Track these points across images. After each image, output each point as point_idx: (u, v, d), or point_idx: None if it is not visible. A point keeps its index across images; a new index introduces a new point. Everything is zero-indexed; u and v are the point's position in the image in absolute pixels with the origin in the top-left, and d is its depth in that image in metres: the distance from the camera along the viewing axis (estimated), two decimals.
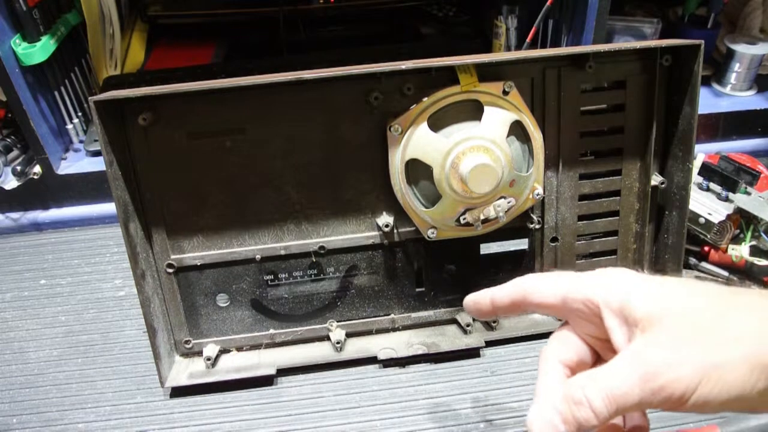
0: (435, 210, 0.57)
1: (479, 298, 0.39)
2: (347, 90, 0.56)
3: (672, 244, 0.63)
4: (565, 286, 0.35)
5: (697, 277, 0.70)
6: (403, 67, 0.53)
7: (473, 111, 0.55)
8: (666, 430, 0.54)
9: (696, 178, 0.70)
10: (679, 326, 0.29)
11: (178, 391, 0.60)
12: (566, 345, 0.36)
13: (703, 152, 0.74)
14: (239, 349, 0.64)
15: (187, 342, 0.63)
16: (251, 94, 0.55)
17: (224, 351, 0.64)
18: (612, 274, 0.34)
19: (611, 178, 0.62)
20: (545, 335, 0.64)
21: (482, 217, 0.57)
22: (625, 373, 0.29)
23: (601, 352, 0.36)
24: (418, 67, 0.54)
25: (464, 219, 0.58)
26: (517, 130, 0.57)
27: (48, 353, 0.66)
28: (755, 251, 0.66)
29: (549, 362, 0.35)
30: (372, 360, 0.62)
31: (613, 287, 0.33)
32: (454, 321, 0.65)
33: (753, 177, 0.69)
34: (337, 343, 0.63)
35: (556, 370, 0.35)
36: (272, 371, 0.61)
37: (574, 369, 0.35)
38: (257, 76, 0.52)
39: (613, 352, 0.32)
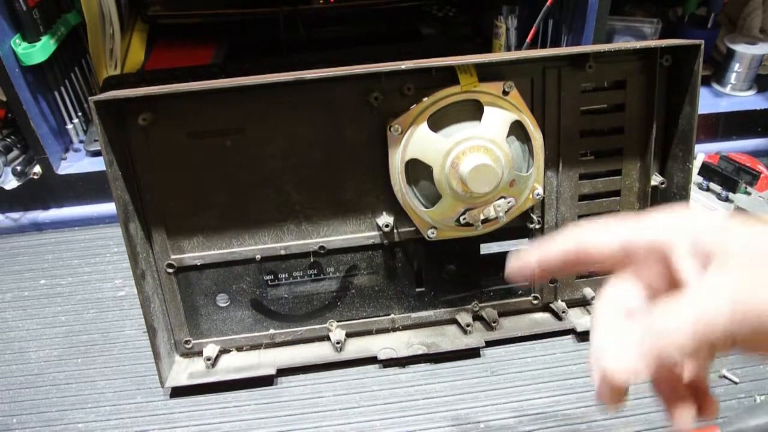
0: (435, 210, 0.57)
1: (523, 262, 0.35)
2: (347, 90, 0.56)
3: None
4: (624, 233, 0.32)
5: None
6: (403, 67, 0.53)
7: (473, 111, 0.55)
8: (666, 430, 0.54)
9: (696, 178, 0.70)
10: (761, 253, 0.27)
11: (178, 391, 0.60)
12: (625, 292, 0.33)
13: (703, 152, 0.74)
14: (239, 349, 0.64)
15: (187, 342, 0.63)
16: (251, 94, 0.55)
17: (224, 351, 0.64)
18: (676, 213, 0.31)
19: (611, 178, 0.62)
20: (545, 335, 0.64)
21: (482, 217, 0.57)
22: (712, 296, 0.27)
23: (656, 298, 0.32)
24: (418, 67, 0.54)
25: (464, 219, 0.58)
26: (517, 130, 0.57)
27: (48, 353, 0.66)
28: None
29: (607, 309, 0.32)
30: (372, 360, 0.62)
31: (681, 225, 0.30)
32: (454, 321, 0.65)
33: (753, 177, 0.69)
34: (337, 343, 0.63)
35: (618, 316, 0.32)
36: (272, 371, 0.61)
37: (633, 315, 0.32)
38: (257, 76, 0.52)
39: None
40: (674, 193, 0.62)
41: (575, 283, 0.66)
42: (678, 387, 0.33)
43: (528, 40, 0.82)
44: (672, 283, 0.31)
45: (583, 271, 0.33)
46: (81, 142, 0.91)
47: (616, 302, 0.33)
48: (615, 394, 0.31)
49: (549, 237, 0.34)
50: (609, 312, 0.32)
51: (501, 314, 0.65)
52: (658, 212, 0.32)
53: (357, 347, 0.63)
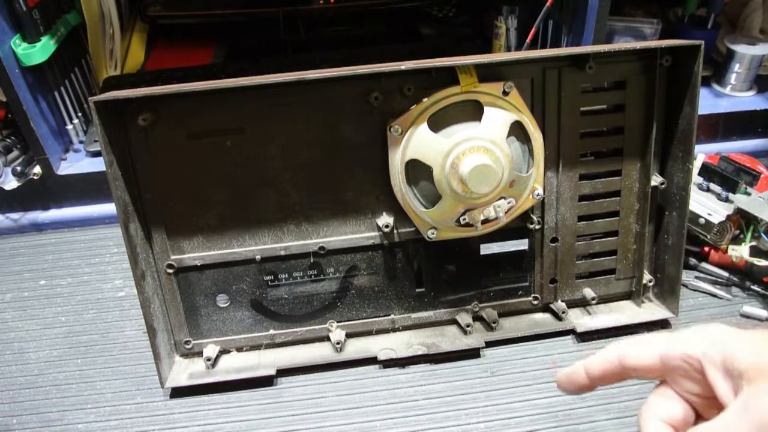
0: (435, 210, 0.57)
1: (573, 374, 0.38)
2: (347, 90, 0.56)
3: (672, 244, 0.63)
4: (661, 346, 0.35)
5: (697, 277, 0.70)
6: (403, 67, 0.53)
7: (473, 111, 0.55)
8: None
9: (696, 178, 0.70)
10: None
11: (178, 392, 0.60)
12: (666, 404, 0.35)
13: (703, 152, 0.74)
14: (239, 349, 0.64)
15: (187, 342, 0.63)
16: (251, 94, 0.55)
17: (224, 351, 0.64)
18: (709, 328, 0.34)
19: (611, 178, 0.62)
20: (545, 335, 0.64)
21: (482, 218, 0.57)
22: (738, 424, 0.29)
23: (701, 410, 0.35)
24: (418, 67, 0.54)
25: (464, 219, 0.58)
26: (517, 130, 0.57)
27: (48, 353, 0.66)
28: (755, 252, 0.66)
29: (651, 421, 0.35)
30: (372, 360, 0.62)
31: (713, 341, 0.33)
32: (454, 321, 0.65)
33: (753, 177, 0.69)
34: (337, 343, 0.63)
35: (659, 429, 0.35)
36: (272, 372, 0.61)
37: (677, 428, 0.35)
38: (257, 76, 0.52)
39: (716, 408, 0.31)
40: (674, 193, 0.62)
41: (575, 283, 0.66)
42: None
43: (528, 40, 0.82)
44: (710, 395, 0.33)
45: (625, 379, 0.38)
46: (81, 142, 0.91)
47: (659, 413, 0.35)
48: None
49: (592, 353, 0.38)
50: (653, 423, 0.35)
51: (501, 314, 0.65)
52: (693, 328, 0.34)
53: (357, 348, 0.63)
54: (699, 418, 0.35)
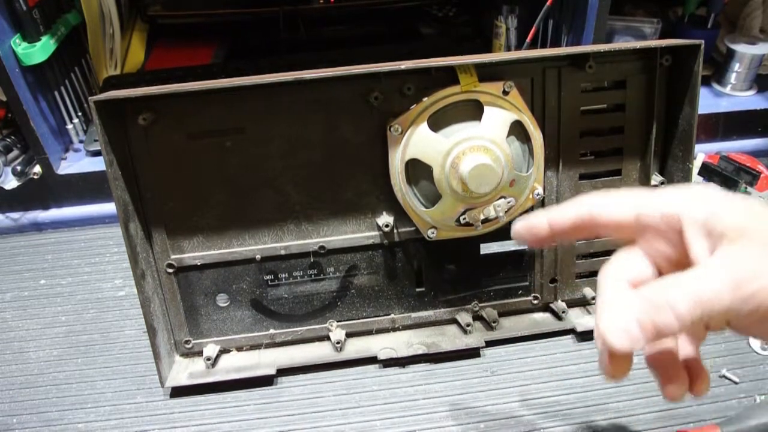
0: (435, 210, 0.57)
1: (534, 222, 0.35)
2: (347, 90, 0.56)
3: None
4: (639, 202, 0.32)
5: None
6: (403, 67, 0.53)
7: (473, 111, 0.55)
8: (666, 430, 0.54)
9: (696, 178, 0.70)
10: None
11: (178, 391, 0.60)
12: (631, 263, 0.33)
13: (703, 152, 0.74)
14: (239, 349, 0.64)
15: (187, 342, 0.63)
16: (251, 94, 0.55)
17: (224, 351, 0.64)
18: (694, 189, 0.32)
19: (611, 178, 0.62)
20: (545, 335, 0.64)
21: (482, 217, 0.57)
22: (715, 277, 0.27)
23: (667, 274, 0.32)
24: (418, 67, 0.54)
25: (464, 219, 0.58)
26: (517, 130, 0.57)
27: (48, 353, 0.66)
28: None
29: (611, 278, 0.33)
30: (372, 360, 0.62)
31: (697, 201, 0.31)
32: (454, 321, 0.65)
33: (753, 177, 0.69)
34: (337, 343, 0.63)
35: (621, 286, 0.32)
36: (272, 371, 0.61)
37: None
38: (257, 76, 0.52)
39: (686, 269, 0.30)
40: None
41: (575, 283, 0.66)
42: (672, 361, 0.34)
43: (528, 40, 0.82)
44: (681, 259, 0.31)
45: (592, 236, 0.33)
46: (81, 142, 0.91)
47: (622, 271, 0.33)
48: (615, 363, 0.32)
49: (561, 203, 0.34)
50: (613, 280, 0.32)
51: (501, 314, 0.65)
52: (676, 188, 0.32)
53: (357, 347, 0.63)
54: None
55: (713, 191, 0.31)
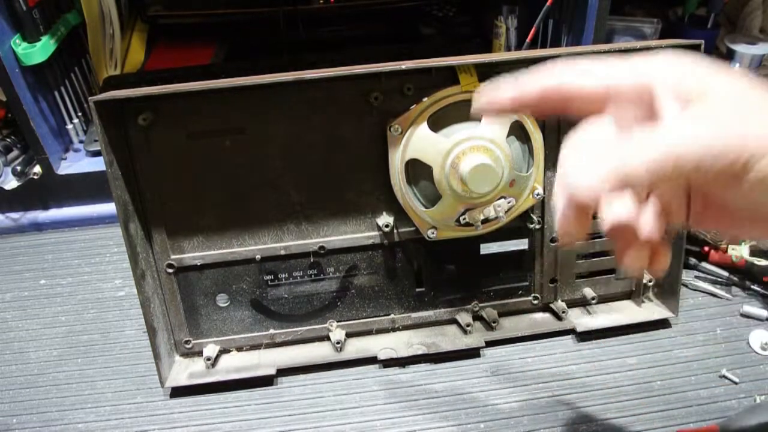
0: (435, 210, 0.57)
1: (497, 94, 0.32)
2: (347, 90, 0.56)
3: (672, 244, 0.63)
4: (610, 72, 0.31)
5: (696, 277, 0.70)
6: (404, 67, 0.53)
7: None
8: (666, 430, 0.54)
9: None
10: (743, 100, 0.27)
11: (178, 391, 0.60)
12: (599, 130, 0.31)
13: None
14: (239, 349, 0.64)
15: (187, 342, 0.63)
16: (251, 94, 0.55)
17: (224, 351, 0.64)
18: (663, 55, 0.30)
19: None
20: (545, 335, 0.64)
21: (482, 217, 0.57)
22: (688, 130, 0.26)
23: None
24: (418, 67, 0.54)
25: (464, 219, 0.58)
26: (517, 130, 0.57)
27: (48, 353, 0.66)
28: (755, 251, 0.66)
29: (580, 138, 0.31)
30: (372, 360, 0.62)
31: (667, 67, 0.30)
32: (454, 321, 0.65)
33: None
34: (337, 343, 0.63)
35: (590, 143, 0.31)
36: (272, 371, 0.61)
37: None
38: (257, 76, 0.52)
39: None
40: None
41: (575, 283, 0.66)
42: (633, 231, 0.32)
43: (528, 40, 0.82)
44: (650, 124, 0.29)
45: (559, 110, 0.32)
46: (81, 142, 0.91)
47: (590, 134, 0.31)
48: (577, 219, 0.31)
49: (528, 72, 0.32)
50: (581, 139, 0.31)
51: (501, 314, 0.65)
52: (643, 55, 0.31)
53: (357, 347, 0.63)
54: None
55: (683, 56, 0.30)
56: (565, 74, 0.31)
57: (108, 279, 0.77)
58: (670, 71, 0.29)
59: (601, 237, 0.65)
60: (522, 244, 0.64)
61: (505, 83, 0.32)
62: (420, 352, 0.62)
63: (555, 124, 0.59)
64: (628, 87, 0.30)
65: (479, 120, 0.55)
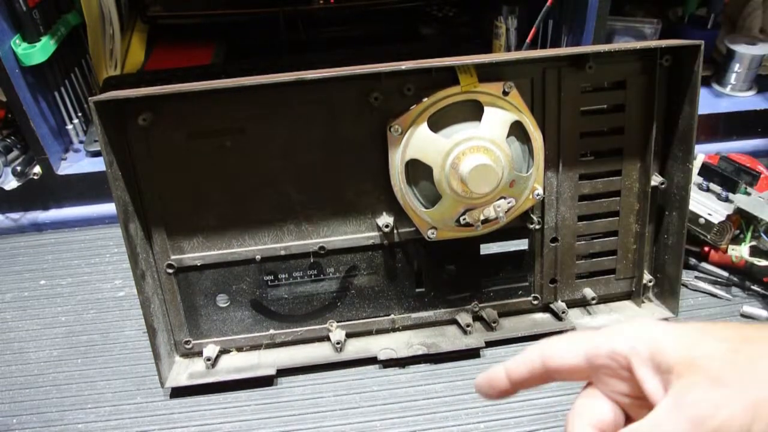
0: (435, 210, 0.57)
1: (493, 376, 0.35)
2: (347, 90, 0.56)
3: (672, 244, 0.63)
4: (586, 343, 0.33)
5: (697, 277, 0.70)
6: (404, 67, 0.53)
7: (473, 111, 0.55)
8: None
9: (696, 178, 0.70)
10: (718, 368, 0.28)
11: (178, 392, 0.60)
12: (594, 406, 0.33)
13: (703, 152, 0.74)
14: (239, 349, 0.64)
15: (187, 342, 0.63)
16: (251, 94, 0.55)
17: (224, 351, 0.64)
18: (634, 324, 0.32)
19: (611, 178, 0.62)
20: (545, 335, 0.64)
21: (482, 218, 0.57)
22: (673, 420, 0.28)
23: (630, 411, 0.33)
24: (418, 67, 0.54)
25: (464, 219, 0.58)
26: (517, 130, 0.57)
27: (48, 353, 0.66)
28: (755, 252, 0.66)
29: (578, 426, 0.33)
30: (372, 360, 0.62)
31: (640, 336, 0.31)
32: (454, 321, 0.65)
33: (753, 177, 0.69)
34: (337, 343, 0.63)
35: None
36: (272, 371, 0.61)
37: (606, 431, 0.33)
38: (257, 76, 0.52)
39: (646, 408, 0.30)
40: (674, 193, 0.62)
41: (575, 283, 0.66)
42: None
43: (528, 40, 0.82)
44: (639, 394, 0.31)
45: (552, 381, 0.34)
46: (81, 142, 0.91)
47: (586, 417, 0.33)
48: None
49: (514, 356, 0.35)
50: (579, 428, 0.33)
51: (501, 314, 0.65)
52: (618, 324, 0.32)
53: (357, 347, 0.63)
54: (629, 419, 0.33)
55: (654, 323, 0.31)
56: (547, 352, 0.34)
57: (108, 279, 0.77)
58: (641, 343, 0.31)
59: (601, 237, 0.65)
60: (522, 244, 0.64)
61: (499, 366, 0.35)
62: (420, 352, 0.62)
63: (555, 124, 0.59)
64: (606, 360, 0.32)
65: (479, 120, 0.55)
